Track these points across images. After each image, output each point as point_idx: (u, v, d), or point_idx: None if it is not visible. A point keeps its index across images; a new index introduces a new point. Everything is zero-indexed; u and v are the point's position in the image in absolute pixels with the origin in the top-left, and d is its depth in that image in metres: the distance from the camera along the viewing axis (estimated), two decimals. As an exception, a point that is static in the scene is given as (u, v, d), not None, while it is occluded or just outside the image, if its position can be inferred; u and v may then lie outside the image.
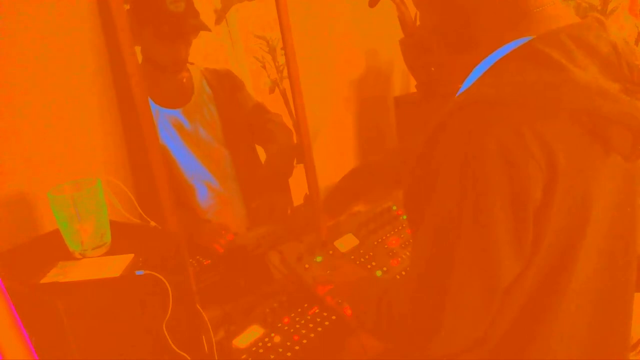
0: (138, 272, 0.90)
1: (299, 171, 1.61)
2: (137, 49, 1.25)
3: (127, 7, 1.20)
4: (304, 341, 1.22)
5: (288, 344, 1.21)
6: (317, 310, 1.30)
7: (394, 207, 1.61)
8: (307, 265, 1.37)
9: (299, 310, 1.30)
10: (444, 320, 0.72)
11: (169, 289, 0.93)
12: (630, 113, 0.68)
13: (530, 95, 0.67)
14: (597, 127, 0.69)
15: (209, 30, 1.39)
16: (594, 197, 0.72)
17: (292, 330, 1.24)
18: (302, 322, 1.26)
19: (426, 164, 0.73)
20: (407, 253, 1.48)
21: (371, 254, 1.46)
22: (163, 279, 0.92)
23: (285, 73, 1.53)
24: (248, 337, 1.22)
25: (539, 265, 0.72)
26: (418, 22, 1.66)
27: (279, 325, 1.25)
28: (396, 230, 1.55)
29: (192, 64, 1.42)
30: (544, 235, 0.70)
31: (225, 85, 1.48)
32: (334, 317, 1.28)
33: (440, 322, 0.72)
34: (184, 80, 1.41)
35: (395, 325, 0.80)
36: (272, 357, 1.17)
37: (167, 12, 1.28)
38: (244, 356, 1.17)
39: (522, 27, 0.74)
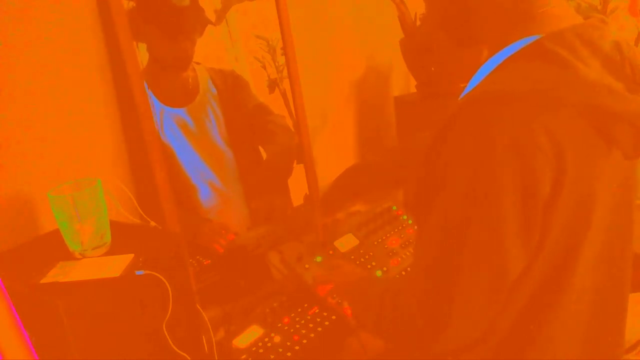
0: (138, 272, 0.90)
1: (299, 171, 1.61)
2: (143, 47, 1.26)
3: (132, 4, 1.21)
4: (304, 341, 1.22)
5: (288, 344, 1.21)
6: (317, 310, 1.30)
7: (394, 207, 1.61)
8: (307, 265, 1.37)
9: (299, 310, 1.30)
10: (453, 314, 0.72)
11: (169, 288, 0.93)
12: (636, 110, 0.69)
13: (539, 91, 0.68)
14: (603, 124, 0.70)
15: (214, 24, 1.40)
16: (597, 195, 0.73)
17: (292, 330, 1.24)
18: (302, 322, 1.26)
19: (435, 160, 0.73)
20: (407, 253, 1.48)
21: (371, 254, 1.46)
22: (163, 279, 0.92)
23: (285, 73, 1.53)
24: (248, 337, 1.22)
25: (542, 263, 0.72)
26: (418, 23, 1.66)
27: (279, 325, 1.25)
28: (396, 230, 1.55)
29: (198, 63, 1.42)
30: (549, 230, 0.70)
31: (230, 85, 1.48)
32: (334, 317, 1.28)
33: (449, 317, 0.72)
34: (189, 79, 1.42)
35: (401, 324, 0.80)
36: (272, 357, 1.17)
37: (172, 7, 1.29)
38: (244, 356, 1.17)
39: (528, 26, 0.75)
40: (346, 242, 1.48)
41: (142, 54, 1.25)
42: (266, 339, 1.21)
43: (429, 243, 0.76)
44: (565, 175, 0.68)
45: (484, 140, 0.67)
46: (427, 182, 0.76)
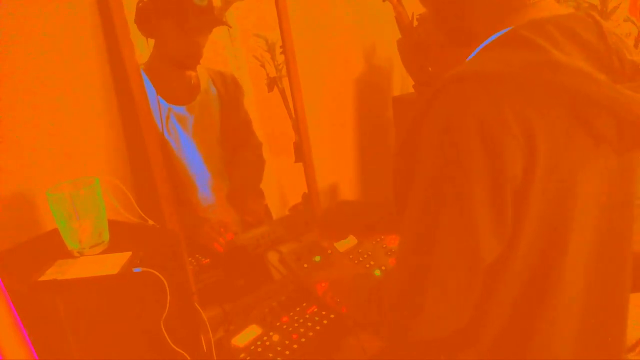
0: (136, 270, 0.91)
1: (298, 170, 1.61)
2: (142, 45, 1.26)
3: (145, 0, 1.22)
4: (303, 340, 1.22)
5: (287, 342, 1.21)
6: (315, 309, 1.30)
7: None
8: (305, 265, 1.37)
9: (298, 309, 1.30)
10: (427, 298, 0.72)
11: (167, 285, 0.93)
12: (612, 96, 0.68)
13: (510, 71, 0.67)
14: (581, 112, 0.69)
15: (229, 25, 1.43)
16: (579, 189, 0.72)
17: (290, 329, 1.24)
18: (301, 321, 1.27)
19: (411, 149, 0.73)
20: (406, 252, 1.48)
21: (369, 253, 1.46)
22: (160, 275, 0.92)
23: (284, 72, 1.53)
24: (247, 336, 1.22)
25: (526, 257, 0.72)
26: (415, 23, 1.66)
27: (278, 324, 1.25)
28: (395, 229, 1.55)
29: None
30: (524, 217, 0.69)
31: (230, 88, 1.50)
32: (332, 316, 1.28)
33: (423, 301, 0.72)
34: (192, 78, 1.43)
35: (382, 310, 0.79)
36: (270, 355, 1.17)
37: (193, 6, 1.30)
38: (242, 355, 1.18)
39: (512, 18, 0.75)
40: (345, 242, 1.48)
41: (140, 52, 1.25)
42: (265, 338, 1.21)
43: (406, 229, 0.76)
44: (537, 160, 0.67)
45: (452, 120, 0.67)
46: (406, 168, 0.76)
